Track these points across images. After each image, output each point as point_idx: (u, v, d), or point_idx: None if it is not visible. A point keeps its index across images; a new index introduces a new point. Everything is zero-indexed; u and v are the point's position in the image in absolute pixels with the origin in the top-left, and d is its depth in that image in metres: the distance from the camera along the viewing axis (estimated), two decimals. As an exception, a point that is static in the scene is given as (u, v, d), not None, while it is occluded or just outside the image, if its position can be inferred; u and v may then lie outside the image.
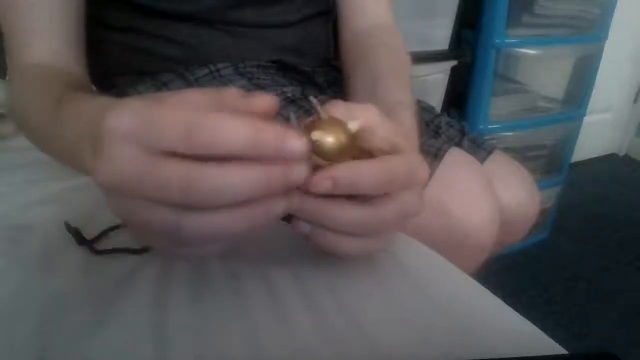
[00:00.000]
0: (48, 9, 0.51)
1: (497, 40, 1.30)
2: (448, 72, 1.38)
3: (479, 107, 1.38)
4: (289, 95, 0.58)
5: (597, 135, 2.12)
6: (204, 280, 0.36)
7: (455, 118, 0.73)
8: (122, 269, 0.38)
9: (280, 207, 0.28)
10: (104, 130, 0.26)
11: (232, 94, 0.29)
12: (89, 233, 0.42)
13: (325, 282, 0.36)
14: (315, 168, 0.29)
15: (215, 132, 0.25)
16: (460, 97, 1.42)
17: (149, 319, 0.33)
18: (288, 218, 0.31)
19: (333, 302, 0.34)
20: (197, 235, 0.27)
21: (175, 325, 0.32)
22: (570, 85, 1.58)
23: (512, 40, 1.32)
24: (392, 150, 0.32)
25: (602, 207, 1.85)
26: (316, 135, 0.29)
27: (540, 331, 0.33)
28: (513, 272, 1.49)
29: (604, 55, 1.49)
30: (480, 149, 0.64)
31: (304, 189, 0.29)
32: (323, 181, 0.29)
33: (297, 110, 0.56)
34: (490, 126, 1.39)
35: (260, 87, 0.59)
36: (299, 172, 0.27)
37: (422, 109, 0.68)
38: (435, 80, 1.37)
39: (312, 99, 0.33)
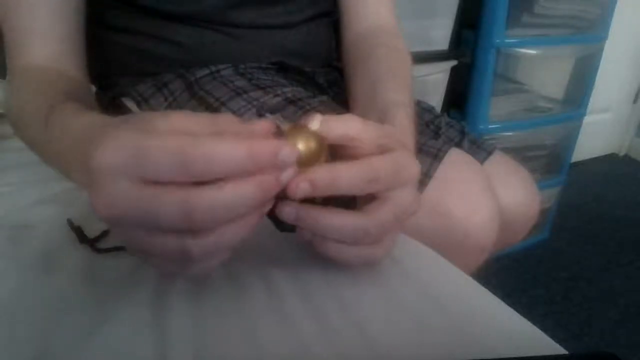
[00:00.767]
0: (48, 9, 0.51)
1: (497, 40, 1.30)
2: (448, 72, 1.38)
3: (479, 107, 1.38)
4: (289, 95, 0.58)
5: (597, 135, 2.12)
6: (204, 281, 0.36)
7: (455, 118, 0.73)
8: (122, 269, 0.38)
9: (269, 205, 0.29)
10: (95, 167, 0.26)
11: (226, 119, 0.29)
12: (90, 233, 0.42)
13: (325, 283, 0.36)
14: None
15: (210, 158, 0.25)
16: (460, 97, 1.42)
17: (149, 319, 0.33)
18: (270, 213, 0.32)
19: (333, 302, 0.34)
20: (205, 254, 0.28)
21: (175, 325, 0.32)
22: (570, 85, 1.58)
23: (512, 40, 1.32)
24: (379, 152, 0.33)
25: (602, 207, 1.85)
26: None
27: (540, 331, 0.33)
28: (513, 272, 1.49)
29: (604, 55, 1.49)
30: (480, 149, 0.64)
31: (283, 194, 0.30)
32: (300, 184, 0.29)
33: (298, 110, 0.56)
34: (490, 126, 1.39)
35: (260, 87, 0.59)
36: (289, 175, 0.28)
37: (422, 109, 0.68)
38: (435, 80, 1.37)
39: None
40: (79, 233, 0.42)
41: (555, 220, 1.65)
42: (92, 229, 0.43)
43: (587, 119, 1.58)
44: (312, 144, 0.30)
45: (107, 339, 0.31)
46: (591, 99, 1.54)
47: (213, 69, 0.61)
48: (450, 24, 1.33)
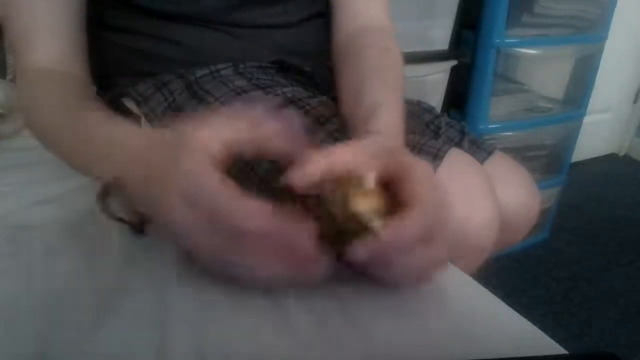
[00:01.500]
0: (51, 10, 0.51)
1: (497, 40, 1.30)
2: (448, 72, 1.38)
3: (479, 107, 1.38)
4: (289, 96, 0.58)
5: (597, 135, 2.12)
6: (205, 281, 0.36)
7: (455, 118, 0.73)
8: (122, 269, 0.38)
9: None
10: (165, 177, 0.31)
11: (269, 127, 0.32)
12: (91, 232, 0.42)
13: (325, 283, 0.36)
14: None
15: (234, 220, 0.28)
16: (460, 97, 1.42)
17: (150, 319, 0.33)
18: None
19: (333, 303, 0.34)
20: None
21: (176, 325, 0.32)
22: (570, 85, 1.58)
23: (512, 40, 1.32)
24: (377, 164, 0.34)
25: (602, 207, 1.85)
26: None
27: (540, 331, 0.33)
28: (513, 272, 1.49)
29: (604, 55, 1.49)
30: (480, 149, 0.64)
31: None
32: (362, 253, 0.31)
33: (297, 111, 0.56)
34: (490, 126, 1.39)
35: (260, 88, 0.59)
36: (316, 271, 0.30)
37: (422, 109, 0.68)
38: (435, 80, 1.37)
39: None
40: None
41: (555, 220, 1.64)
42: (93, 229, 0.43)
43: (587, 119, 1.58)
44: (374, 202, 0.32)
45: (107, 338, 0.31)
46: (591, 99, 1.54)
47: (213, 68, 0.61)
48: (450, 24, 1.33)
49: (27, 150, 0.52)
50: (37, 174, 0.55)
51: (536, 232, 1.61)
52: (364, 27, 0.61)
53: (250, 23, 0.62)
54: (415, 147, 0.54)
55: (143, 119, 0.61)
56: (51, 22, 0.51)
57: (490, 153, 0.64)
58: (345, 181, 0.32)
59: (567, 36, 1.43)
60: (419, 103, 0.69)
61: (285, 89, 0.59)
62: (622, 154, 2.28)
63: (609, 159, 2.25)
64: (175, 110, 0.60)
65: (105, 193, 0.42)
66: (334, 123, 0.53)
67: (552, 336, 0.33)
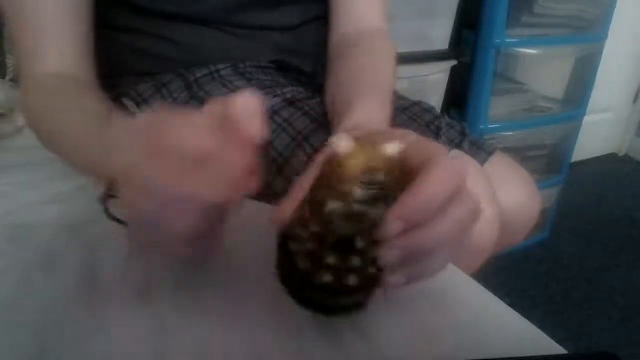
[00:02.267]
0: (59, 15, 0.50)
1: (497, 40, 1.30)
2: (448, 72, 1.38)
3: (479, 107, 1.38)
4: (289, 96, 0.58)
5: (597, 135, 2.12)
6: (205, 281, 0.36)
7: (455, 118, 0.73)
8: (122, 269, 0.38)
9: None
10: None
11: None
12: (92, 231, 0.42)
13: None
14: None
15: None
16: (460, 97, 1.42)
17: (149, 319, 0.33)
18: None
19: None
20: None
21: (176, 325, 0.32)
22: (570, 85, 1.58)
23: (512, 40, 1.32)
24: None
25: (602, 207, 1.85)
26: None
27: (540, 331, 0.33)
28: (513, 272, 1.49)
29: (604, 55, 1.49)
30: (480, 150, 0.64)
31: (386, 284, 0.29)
32: (392, 256, 0.28)
33: (297, 111, 0.56)
34: (490, 126, 1.39)
35: (260, 88, 0.59)
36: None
37: (423, 109, 0.67)
38: (435, 80, 1.37)
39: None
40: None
41: (555, 220, 1.65)
42: (92, 229, 0.43)
43: (587, 119, 1.58)
44: (393, 171, 0.28)
45: (107, 338, 0.31)
46: (591, 99, 1.54)
47: (212, 69, 0.61)
48: (450, 24, 1.33)
49: (27, 150, 0.52)
50: (37, 174, 0.55)
51: (536, 232, 1.61)
52: (358, 29, 0.60)
53: (250, 24, 0.62)
54: None
55: (143, 120, 0.61)
56: (60, 26, 0.50)
57: (490, 154, 0.64)
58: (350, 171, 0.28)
59: (567, 36, 1.43)
60: (419, 103, 0.69)
61: (285, 90, 0.59)
62: (622, 154, 2.28)
63: (609, 159, 2.25)
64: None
65: (108, 194, 0.42)
66: None
67: (552, 336, 0.33)
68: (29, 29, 0.50)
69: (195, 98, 0.59)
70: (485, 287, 0.38)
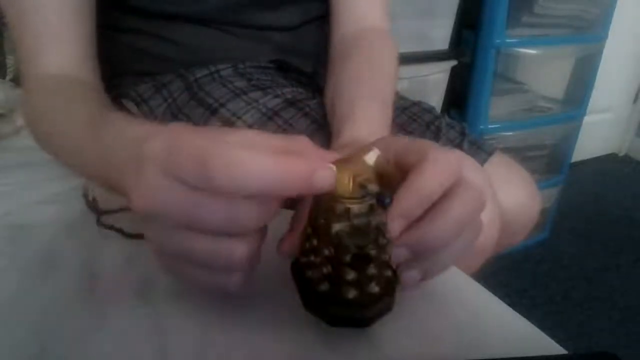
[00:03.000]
0: (61, 14, 0.49)
1: (497, 40, 1.30)
2: (448, 72, 1.38)
3: (479, 107, 1.38)
4: (289, 97, 0.58)
5: (597, 135, 2.12)
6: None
7: (455, 118, 0.73)
8: (122, 269, 0.38)
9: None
10: (142, 156, 0.26)
11: (300, 141, 0.28)
12: (92, 231, 0.42)
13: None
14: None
15: (231, 166, 0.23)
16: (460, 97, 1.42)
17: (149, 319, 0.33)
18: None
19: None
20: (247, 258, 0.27)
21: (176, 325, 0.32)
22: (570, 85, 1.58)
23: (512, 40, 1.32)
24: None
25: (602, 207, 1.85)
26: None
27: (540, 331, 0.33)
28: (513, 272, 1.49)
29: (604, 55, 1.49)
30: (480, 150, 0.64)
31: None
32: (400, 255, 0.29)
33: (297, 112, 0.56)
34: (490, 126, 1.39)
35: (260, 88, 0.59)
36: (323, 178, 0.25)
37: (423, 109, 0.67)
38: (435, 80, 1.37)
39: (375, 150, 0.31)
40: (92, 201, 0.44)
41: (555, 220, 1.65)
42: (92, 229, 0.43)
43: (587, 119, 1.58)
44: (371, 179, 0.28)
45: (106, 338, 0.31)
46: (591, 99, 1.54)
47: (212, 69, 0.61)
48: (450, 24, 1.33)
49: (27, 150, 0.52)
50: (37, 174, 0.55)
51: (536, 232, 1.61)
52: (359, 29, 0.60)
53: (250, 24, 0.62)
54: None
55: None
56: (62, 28, 0.50)
57: (490, 154, 0.64)
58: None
59: (567, 36, 1.43)
60: (419, 103, 0.69)
61: (285, 90, 0.59)
62: (622, 154, 2.28)
63: (609, 159, 2.25)
64: (174, 111, 0.60)
65: (103, 211, 0.43)
66: None
67: (552, 336, 0.32)
68: (31, 31, 0.49)
69: (196, 98, 0.59)
70: (485, 287, 0.38)
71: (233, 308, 0.34)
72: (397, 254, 0.29)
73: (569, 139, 1.57)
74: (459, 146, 0.62)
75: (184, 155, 0.24)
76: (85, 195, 0.46)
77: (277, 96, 0.58)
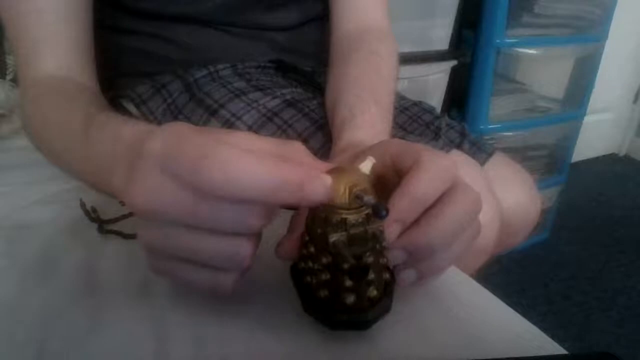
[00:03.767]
0: (56, 16, 0.49)
1: (497, 40, 1.30)
2: (448, 72, 1.38)
3: (479, 107, 1.38)
4: (288, 97, 0.58)
5: (597, 135, 2.12)
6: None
7: (455, 118, 0.73)
8: (122, 269, 0.38)
9: None
10: (141, 154, 0.26)
11: (295, 147, 0.28)
12: (91, 231, 0.42)
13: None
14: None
15: (227, 170, 0.23)
16: (460, 97, 1.42)
17: (149, 319, 0.33)
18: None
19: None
20: (251, 256, 0.27)
21: (175, 325, 0.32)
22: (570, 85, 1.58)
23: (512, 40, 1.32)
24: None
25: (602, 207, 1.85)
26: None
27: (540, 331, 0.33)
28: (513, 272, 1.49)
29: (604, 55, 1.49)
30: (480, 151, 0.64)
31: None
32: (397, 258, 0.29)
33: (296, 113, 0.56)
34: (490, 126, 1.39)
35: (259, 89, 0.59)
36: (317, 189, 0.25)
37: (423, 110, 0.67)
38: (435, 80, 1.37)
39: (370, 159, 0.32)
40: (92, 212, 0.44)
41: (555, 220, 1.65)
42: (92, 229, 0.43)
43: (587, 119, 1.58)
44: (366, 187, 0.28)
45: (106, 339, 0.31)
46: (591, 99, 1.54)
47: (212, 69, 0.61)
48: (450, 24, 1.33)
49: (27, 150, 0.52)
50: (37, 174, 0.55)
51: (536, 232, 1.61)
52: (359, 28, 0.60)
53: (250, 23, 0.62)
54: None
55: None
56: (58, 33, 0.49)
57: (490, 155, 0.64)
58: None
59: (567, 36, 1.43)
60: (419, 103, 0.69)
61: (284, 91, 0.59)
62: (622, 154, 2.28)
63: (609, 159, 2.25)
64: (174, 111, 0.60)
65: (103, 221, 0.43)
66: None
67: (552, 336, 0.33)
68: (27, 34, 0.49)
69: (195, 99, 0.59)
70: (485, 287, 0.38)
71: (233, 308, 0.34)
72: (394, 256, 0.30)
73: (569, 139, 1.57)
74: (459, 146, 0.62)
75: (182, 156, 0.24)
76: (83, 205, 0.45)
77: (276, 97, 0.57)
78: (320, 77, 0.66)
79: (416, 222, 0.29)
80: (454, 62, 1.36)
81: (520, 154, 1.48)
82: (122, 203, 0.44)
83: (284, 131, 0.54)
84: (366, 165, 0.30)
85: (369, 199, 0.27)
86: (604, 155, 2.26)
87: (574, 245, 1.63)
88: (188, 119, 0.58)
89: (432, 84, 1.36)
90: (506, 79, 1.50)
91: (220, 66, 0.62)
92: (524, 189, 0.65)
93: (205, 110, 0.57)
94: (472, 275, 0.40)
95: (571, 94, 1.57)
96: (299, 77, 0.66)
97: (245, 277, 0.30)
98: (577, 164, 2.03)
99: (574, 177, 1.72)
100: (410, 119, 0.65)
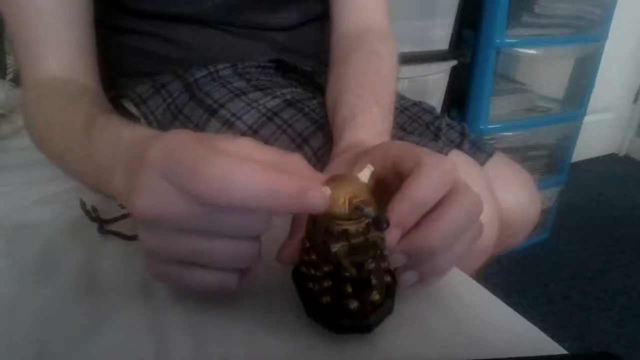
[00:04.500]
0: (58, 18, 0.49)
1: (497, 40, 1.30)
2: (448, 72, 1.38)
3: (479, 107, 1.38)
4: (288, 97, 0.58)
5: (597, 135, 2.12)
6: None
7: (455, 118, 0.73)
8: (122, 269, 0.38)
9: None
10: (143, 161, 0.26)
11: (294, 158, 0.28)
12: (91, 231, 0.43)
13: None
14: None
15: (224, 179, 0.24)
16: (460, 97, 1.42)
17: (149, 319, 0.33)
18: None
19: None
20: (257, 257, 0.28)
21: (175, 325, 0.32)
22: (570, 85, 1.58)
23: (512, 40, 1.32)
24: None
25: (602, 207, 1.85)
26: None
27: (540, 331, 0.33)
28: (513, 272, 1.49)
29: (604, 55, 1.49)
30: (480, 151, 0.64)
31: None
32: (398, 261, 0.30)
33: (296, 113, 0.56)
34: (490, 126, 1.39)
35: (259, 89, 0.59)
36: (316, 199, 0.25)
37: (423, 110, 0.67)
38: (435, 80, 1.37)
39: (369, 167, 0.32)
40: (92, 211, 0.44)
41: (555, 220, 1.65)
42: (92, 229, 0.43)
43: (587, 119, 1.58)
44: (365, 197, 0.28)
45: (106, 339, 0.31)
46: (591, 99, 1.54)
47: (212, 69, 0.61)
48: (450, 24, 1.33)
49: (27, 150, 0.52)
50: (37, 174, 0.55)
51: (536, 232, 1.61)
52: (359, 28, 0.60)
53: (250, 23, 0.62)
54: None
55: (142, 121, 0.61)
56: (60, 35, 0.49)
57: (490, 155, 0.64)
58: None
59: (567, 36, 1.43)
60: (419, 103, 0.69)
61: (284, 90, 0.59)
62: (622, 154, 2.28)
63: (609, 159, 2.25)
64: (174, 111, 0.60)
65: (103, 220, 0.43)
66: None
67: (552, 336, 0.32)
68: (29, 35, 0.49)
69: (195, 99, 0.59)
70: (485, 287, 0.38)
71: (233, 308, 0.34)
72: (395, 260, 0.30)
73: (569, 139, 1.57)
74: (459, 146, 0.62)
75: (181, 166, 0.25)
76: (83, 205, 0.45)
77: (276, 97, 0.57)
78: (321, 77, 0.66)
79: (417, 225, 0.30)
80: (454, 62, 1.36)
81: (520, 154, 1.48)
82: (121, 205, 0.44)
83: (284, 131, 0.54)
84: (364, 174, 0.30)
85: (369, 211, 0.27)
86: (604, 155, 2.26)
87: (574, 245, 1.63)
88: (188, 119, 0.58)
89: (432, 84, 1.36)
90: (506, 79, 1.50)
91: (220, 66, 0.62)
92: (524, 189, 0.65)
93: (205, 110, 0.57)
94: (472, 276, 0.40)
95: (571, 94, 1.57)
96: (299, 77, 0.66)
97: (249, 274, 0.30)
98: (577, 164, 2.03)
99: (574, 177, 1.72)
100: (410, 119, 0.65)
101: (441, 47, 1.35)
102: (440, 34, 1.34)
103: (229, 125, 0.55)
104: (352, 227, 0.28)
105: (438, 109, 0.83)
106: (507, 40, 1.31)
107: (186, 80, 0.61)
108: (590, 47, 1.47)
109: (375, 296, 0.30)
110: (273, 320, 0.33)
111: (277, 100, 0.57)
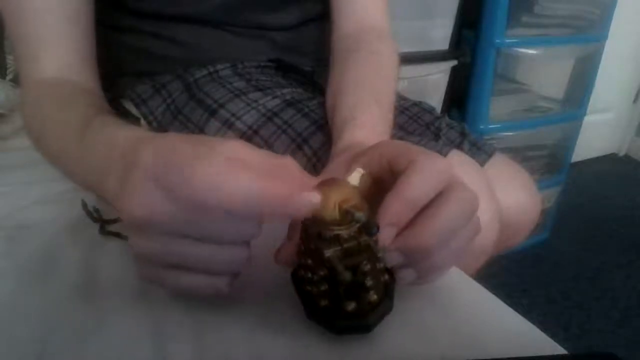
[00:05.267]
0: (58, 18, 0.49)
1: (497, 40, 1.30)
2: (448, 72, 1.38)
3: (479, 107, 1.38)
4: (288, 97, 0.58)
5: (597, 135, 2.12)
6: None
7: (455, 118, 0.73)
8: (122, 269, 0.38)
9: None
10: (134, 164, 0.26)
11: (285, 162, 0.28)
12: (91, 231, 0.43)
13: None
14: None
15: (214, 184, 0.24)
16: (460, 97, 1.42)
17: (148, 319, 0.33)
18: None
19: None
20: (244, 261, 0.28)
21: (175, 325, 0.32)
22: (570, 85, 1.58)
23: (512, 40, 1.32)
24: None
25: (602, 207, 1.85)
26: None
27: (540, 331, 0.33)
28: (513, 272, 1.49)
29: (604, 55, 1.49)
30: (480, 151, 0.64)
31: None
32: (394, 259, 0.30)
33: (296, 113, 0.56)
34: (490, 126, 1.39)
35: (259, 89, 0.59)
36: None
37: (423, 110, 0.67)
38: (435, 80, 1.37)
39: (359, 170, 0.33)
40: (94, 212, 0.44)
41: (555, 220, 1.65)
42: (92, 229, 0.43)
43: (587, 119, 1.58)
44: (356, 201, 0.29)
45: (106, 339, 0.31)
46: (591, 99, 1.54)
47: (211, 69, 0.61)
48: (450, 24, 1.33)
49: (27, 150, 0.52)
50: (37, 174, 0.55)
51: (536, 232, 1.61)
52: (359, 28, 0.60)
53: (250, 23, 0.62)
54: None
55: (142, 121, 0.61)
56: (59, 35, 0.49)
57: (490, 155, 0.64)
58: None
59: (567, 36, 1.43)
60: (419, 104, 0.69)
61: (284, 90, 0.59)
62: (622, 154, 2.28)
63: (609, 159, 2.25)
64: (174, 111, 0.60)
65: (104, 220, 0.43)
66: None
67: (552, 336, 0.33)
68: (28, 35, 0.49)
69: (195, 99, 0.59)
70: (485, 287, 0.38)
71: (233, 308, 0.34)
72: (391, 258, 0.30)
73: (569, 139, 1.57)
74: (459, 147, 0.62)
75: (171, 169, 0.25)
76: (85, 206, 0.45)
77: (276, 97, 0.57)
78: (320, 77, 0.66)
79: (411, 223, 0.30)
80: (454, 62, 1.36)
81: (520, 154, 1.48)
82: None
83: (283, 131, 0.54)
84: (354, 178, 0.30)
85: (360, 215, 0.27)
86: (604, 155, 2.26)
87: (574, 245, 1.63)
88: (188, 119, 0.58)
89: (432, 84, 1.36)
90: (506, 79, 1.50)
91: (220, 66, 0.62)
92: (524, 189, 0.65)
93: (205, 110, 0.57)
94: (472, 276, 0.40)
95: (571, 94, 1.57)
96: (299, 77, 0.66)
97: (240, 277, 0.30)
98: (577, 164, 2.03)
99: (574, 177, 1.72)
100: (410, 119, 0.65)
101: (441, 47, 1.35)
102: (440, 34, 1.33)
103: (228, 126, 0.55)
104: (343, 231, 0.28)
105: (438, 109, 0.82)
106: (507, 40, 1.31)
107: (186, 80, 0.61)
108: (590, 47, 1.47)
109: (373, 296, 0.30)
110: (273, 320, 0.33)
111: (277, 101, 0.57)
